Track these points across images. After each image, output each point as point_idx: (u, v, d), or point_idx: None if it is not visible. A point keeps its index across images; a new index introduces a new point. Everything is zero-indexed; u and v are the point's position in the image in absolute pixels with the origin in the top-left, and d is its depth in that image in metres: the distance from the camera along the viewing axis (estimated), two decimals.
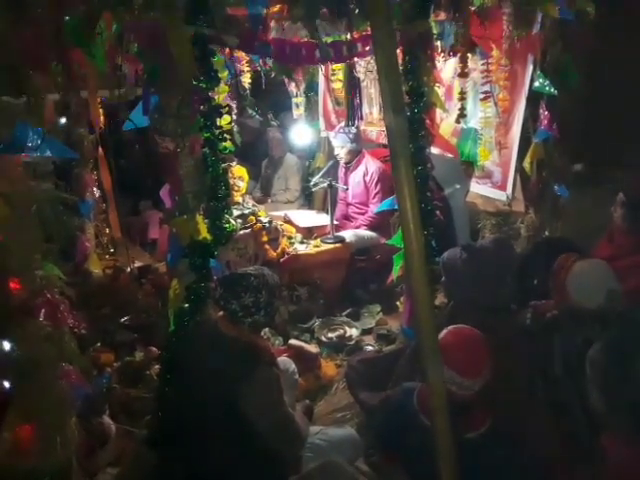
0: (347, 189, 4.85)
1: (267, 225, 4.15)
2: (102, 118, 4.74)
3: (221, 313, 2.39)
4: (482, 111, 3.78)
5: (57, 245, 2.21)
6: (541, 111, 3.56)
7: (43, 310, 2.09)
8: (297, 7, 2.75)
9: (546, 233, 3.77)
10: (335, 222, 4.59)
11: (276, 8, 2.92)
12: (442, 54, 3.54)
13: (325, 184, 4.54)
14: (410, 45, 2.91)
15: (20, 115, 2.02)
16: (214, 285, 2.48)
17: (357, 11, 2.79)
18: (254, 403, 2.21)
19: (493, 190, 3.95)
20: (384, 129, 3.96)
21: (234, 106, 4.52)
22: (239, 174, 4.35)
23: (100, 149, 4.73)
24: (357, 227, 4.74)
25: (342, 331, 4.00)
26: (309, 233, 4.67)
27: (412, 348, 2.85)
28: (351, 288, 4.49)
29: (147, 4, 2.24)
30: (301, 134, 5.48)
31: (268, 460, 2.29)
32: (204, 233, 2.51)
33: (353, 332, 4.01)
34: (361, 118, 4.59)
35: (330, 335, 3.96)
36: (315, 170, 5.64)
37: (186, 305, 2.54)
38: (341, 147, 4.74)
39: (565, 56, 3.34)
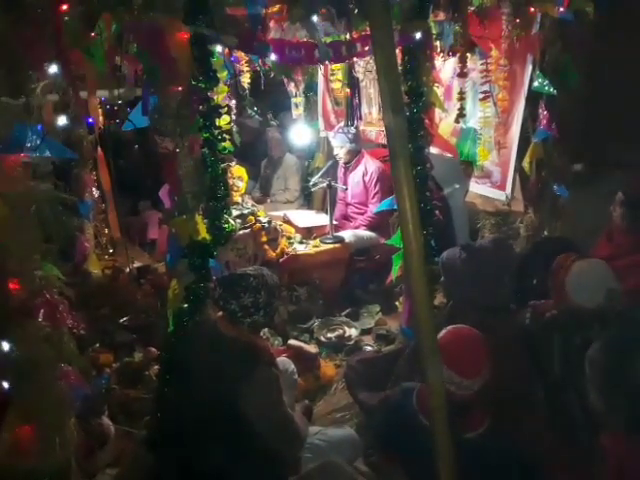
0: (346, 189, 4.85)
1: (266, 225, 4.14)
2: (101, 118, 4.74)
3: (220, 313, 2.39)
4: (481, 111, 3.78)
5: (56, 245, 2.21)
6: (540, 111, 3.56)
7: (42, 310, 2.10)
8: (296, 7, 2.75)
9: (545, 233, 3.77)
10: (334, 222, 4.59)
11: (275, 8, 2.92)
12: (441, 54, 3.54)
13: (324, 184, 4.54)
14: (409, 45, 2.92)
15: (19, 115, 2.02)
16: (213, 285, 2.47)
17: (356, 11, 2.79)
18: (253, 403, 2.21)
19: (492, 190, 3.95)
20: (383, 129, 3.95)
21: (233, 106, 4.52)
22: (238, 174, 4.35)
23: (99, 149, 4.73)
24: (356, 227, 4.74)
25: (341, 331, 4.00)
26: (308, 233, 4.67)
27: (411, 348, 2.85)
28: (350, 288, 4.49)
29: (146, 4, 2.24)
30: (300, 134, 5.47)
31: (267, 460, 2.29)
32: (203, 233, 2.51)
33: (352, 332, 4.01)
34: (360, 118, 4.61)
35: (329, 335, 3.96)
36: (314, 170, 5.64)
37: (185, 305, 2.53)
38: (340, 147, 4.74)
39: (564, 56, 3.34)
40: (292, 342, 3.63)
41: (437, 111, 3.56)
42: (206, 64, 2.42)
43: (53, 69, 2.25)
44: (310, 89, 5.40)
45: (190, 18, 2.31)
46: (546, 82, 3.38)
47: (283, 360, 2.89)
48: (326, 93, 5.41)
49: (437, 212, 3.19)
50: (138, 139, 6.41)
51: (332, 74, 4.85)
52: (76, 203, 4.06)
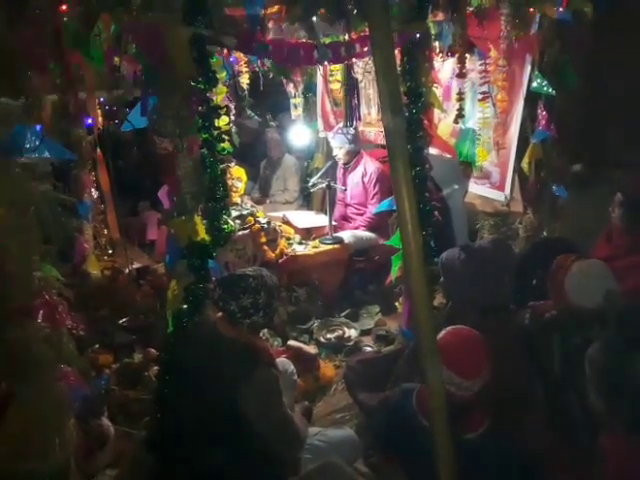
0: (345, 190, 4.85)
1: (265, 226, 4.15)
2: (100, 119, 4.74)
3: (220, 314, 2.39)
4: (480, 111, 3.78)
5: (55, 246, 2.21)
6: (539, 111, 3.56)
7: (41, 311, 2.10)
8: (295, 8, 2.75)
9: (544, 233, 3.77)
10: (334, 223, 4.59)
11: (274, 9, 2.92)
12: (440, 55, 3.54)
13: (323, 185, 4.54)
14: (408, 46, 2.92)
15: (18, 116, 2.02)
16: (212, 286, 2.47)
17: (355, 12, 2.79)
18: (253, 404, 2.21)
19: (491, 190, 3.95)
20: (382, 130, 3.96)
21: (232, 107, 4.52)
22: (237, 175, 4.35)
23: (98, 150, 4.73)
24: (356, 228, 4.74)
25: (341, 332, 4.01)
26: (308, 234, 4.67)
27: (411, 349, 2.85)
28: (350, 289, 4.49)
29: (145, 5, 2.24)
30: (299, 135, 5.48)
31: (267, 461, 2.29)
32: (202, 234, 2.51)
33: (352, 333, 4.01)
34: (359, 119, 4.59)
35: (329, 336, 3.96)
36: (313, 171, 5.64)
37: (185, 306, 2.53)
38: (339, 148, 4.74)
39: (563, 56, 3.34)
40: (291, 343, 3.63)
41: (436, 112, 3.57)
42: (205, 65, 2.42)
43: (53, 70, 2.26)
44: (309, 90, 5.40)
45: (189, 19, 2.31)
46: (545, 82, 3.38)
47: (282, 361, 2.89)
48: (325, 94, 5.41)
49: (436, 213, 3.19)
50: (137, 140, 6.41)
51: (331, 75, 4.85)
52: (75, 204, 4.05)
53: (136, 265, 4.78)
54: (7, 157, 2.02)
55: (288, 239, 4.39)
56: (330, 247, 4.39)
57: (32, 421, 2.00)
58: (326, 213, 4.67)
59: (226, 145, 2.66)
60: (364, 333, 4.06)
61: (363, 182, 4.72)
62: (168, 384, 2.52)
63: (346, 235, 4.52)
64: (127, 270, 4.65)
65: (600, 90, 3.65)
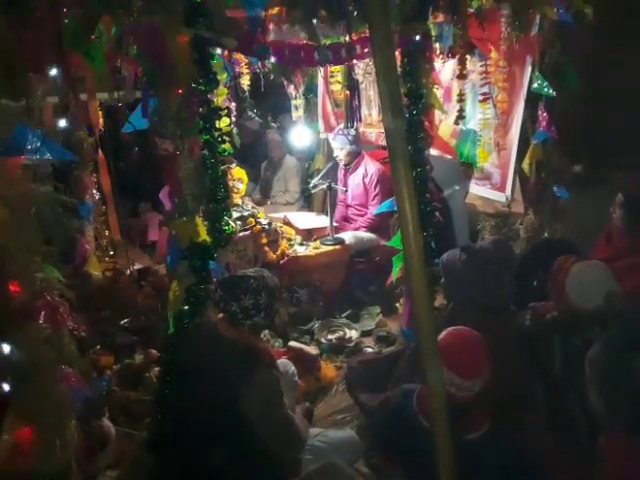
0: (346, 191, 4.86)
1: (266, 227, 4.15)
2: (101, 120, 4.75)
3: (221, 315, 2.40)
4: (481, 112, 3.78)
5: (57, 247, 2.21)
6: (540, 112, 3.56)
7: (43, 312, 2.10)
8: (296, 9, 2.75)
9: (545, 234, 3.77)
10: (334, 224, 4.59)
11: (275, 10, 2.92)
12: (440, 56, 3.54)
13: (324, 186, 4.54)
14: (409, 47, 2.92)
15: (19, 118, 2.03)
16: (214, 287, 2.48)
17: (356, 13, 2.79)
18: (254, 405, 2.21)
19: (492, 191, 3.95)
20: (383, 131, 3.97)
21: (233, 108, 4.53)
22: (238, 176, 4.36)
23: (100, 151, 4.74)
24: (356, 229, 4.74)
25: (342, 333, 4.01)
26: (308, 235, 4.67)
27: (412, 350, 2.85)
28: (351, 290, 4.49)
29: (146, 7, 2.24)
30: (300, 136, 5.48)
31: (268, 462, 2.29)
32: (203, 235, 2.52)
33: (353, 334, 4.01)
34: (360, 120, 4.60)
35: (330, 337, 3.96)
36: (314, 172, 5.65)
37: (186, 307, 2.53)
38: (340, 149, 4.74)
39: (563, 57, 3.34)
40: (292, 344, 3.63)
41: (437, 113, 3.57)
42: (206, 66, 2.43)
43: (53, 72, 2.26)
44: (310, 91, 5.40)
45: (190, 20, 2.31)
46: (545, 84, 3.38)
47: (283, 362, 2.89)
48: (326, 95, 5.41)
49: (437, 214, 3.18)
50: (138, 141, 6.42)
51: (332, 76, 4.86)
52: (76, 205, 4.07)
53: (137, 266, 4.78)
54: (8, 158, 2.03)
55: (289, 240, 4.39)
56: (331, 248, 4.39)
57: (33, 422, 2.00)
58: (327, 214, 4.67)
59: (227, 146, 2.66)
60: (365, 334, 4.06)
61: (364, 183, 4.72)
62: (169, 385, 2.53)
63: (347, 236, 4.52)
64: (128, 271, 4.65)
65: (601, 91, 3.65)
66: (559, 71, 3.37)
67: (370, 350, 3.79)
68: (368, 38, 2.78)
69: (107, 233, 5.03)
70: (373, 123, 4.98)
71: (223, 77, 3.21)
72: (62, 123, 3.10)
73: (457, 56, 3.39)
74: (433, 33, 3.25)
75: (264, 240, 4.10)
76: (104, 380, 3.29)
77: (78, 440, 2.21)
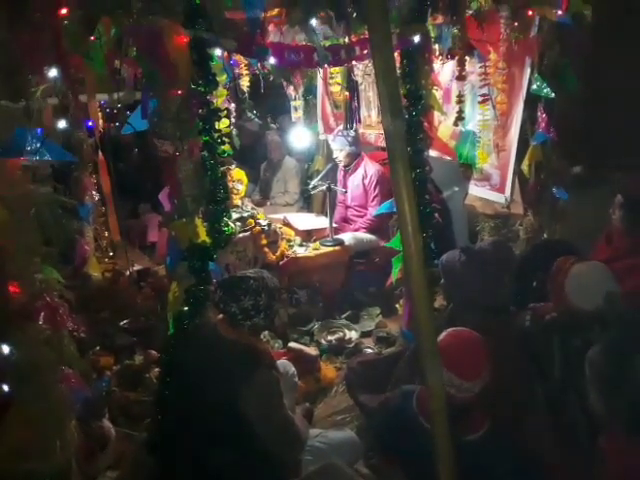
0: (346, 192, 4.86)
1: (266, 228, 4.15)
2: (101, 122, 4.75)
3: (220, 316, 2.40)
4: (480, 114, 3.79)
5: (56, 248, 2.21)
6: (539, 114, 3.56)
7: (42, 313, 2.10)
8: (295, 11, 2.75)
9: (545, 235, 3.77)
10: (334, 225, 4.59)
11: (274, 12, 2.93)
12: (440, 57, 3.55)
13: (324, 187, 4.54)
14: (408, 48, 2.92)
15: (19, 119, 2.03)
16: (213, 288, 2.48)
17: (355, 14, 2.79)
18: (254, 406, 2.21)
19: (492, 192, 3.95)
20: (382, 132, 3.97)
21: (233, 109, 4.53)
22: (238, 177, 4.35)
23: (99, 152, 4.74)
24: (356, 230, 4.74)
25: (341, 334, 4.01)
26: (308, 236, 4.67)
27: (411, 350, 2.85)
28: (350, 291, 4.49)
29: (146, 8, 2.24)
30: (300, 137, 5.48)
31: (268, 463, 2.29)
32: (203, 236, 2.52)
33: (352, 335, 4.01)
34: (359, 121, 4.60)
35: (329, 338, 3.96)
36: (314, 173, 5.65)
37: (185, 308, 2.54)
38: (340, 150, 4.74)
39: (562, 59, 3.34)
40: (292, 345, 3.63)
41: (436, 114, 3.57)
42: (205, 68, 2.43)
43: (53, 73, 2.26)
44: (309, 92, 5.40)
45: (189, 22, 2.32)
46: (544, 85, 3.38)
47: (283, 363, 2.89)
48: (325, 96, 5.41)
49: (436, 215, 3.18)
50: (138, 142, 6.42)
51: (331, 77, 4.85)
52: (76, 206, 4.07)
53: (137, 267, 4.78)
54: (8, 159, 2.03)
55: (289, 241, 4.39)
56: (331, 249, 4.39)
57: (33, 423, 2.00)
58: (326, 215, 4.67)
59: (226, 147, 2.66)
60: (365, 335, 4.06)
61: (363, 184, 4.72)
62: (169, 386, 2.53)
63: (347, 237, 4.52)
64: (128, 272, 4.65)
65: (600, 92, 3.66)
66: (558, 72, 3.37)
67: (370, 351, 3.79)
68: (367, 39, 2.78)
69: (107, 234, 5.03)
70: (372, 124, 4.98)
71: (222, 78, 3.21)
72: (62, 124, 3.09)
73: (456, 57, 3.40)
74: (432, 34, 3.25)
75: (264, 241, 4.10)
76: (104, 381, 3.29)
77: (78, 441, 2.21)
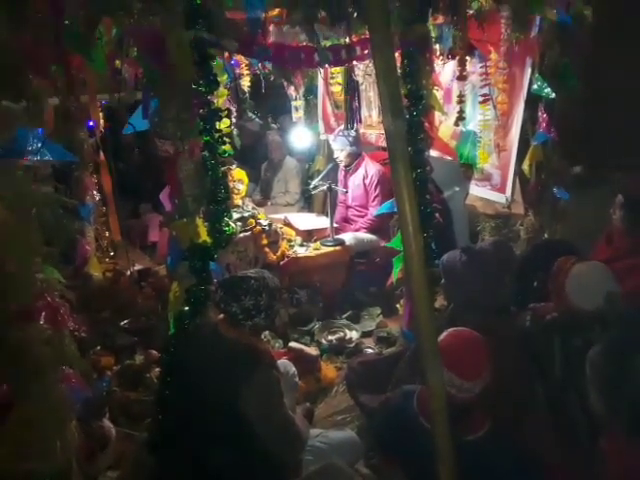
0: (347, 192, 4.86)
1: (267, 228, 4.15)
2: (102, 122, 4.76)
3: (221, 316, 2.40)
4: (481, 114, 3.79)
5: (57, 248, 2.21)
6: (540, 114, 3.57)
7: (43, 313, 2.09)
8: (296, 11, 2.75)
9: (545, 235, 3.77)
10: (335, 225, 4.60)
11: (275, 12, 2.93)
12: (440, 57, 3.55)
13: (325, 187, 4.54)
14: (408, 48, 2.92)
15: (20, 119, 2.03)
16: (214, 288, 2.48)
17: (355, 15, 2.80)
18: (254, 406, 2.21)
19: (492, 192, 3.96)
20: (383, 132, 3.97)
21: (233, 109, 4.54)
22: (239, 177, 4.36)
23: (100, 152, 4.74)
24: (357, 230, 4.75)
25: (342, 334, 4.01)
26: (309, 236, 4.67)
27: (412, 350, 2.85)
28: (351, 291, 4.49)
29: (146, 8, 2.24)
30: (300, 137, 5.48)
31: (268, 463, 2.29)
32: (204, 236, 2.52)
33: (353, 335, 4.01)
34: (360, 121, 4.60)
35: (330, 338, 3.97)
36: (315, 173, 5.65)
37: (186, 308, 2.54)
38: (340, 150, 4.75)
39: (563, 59, 3.35)
40: (293, 344, 3.63)
41: (437, 114, 3.57)
42: (206, 68, 2.43)
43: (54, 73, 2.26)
44: (310, 92, 5.41)
45: (190, 22, 2.32)
46: (545, 85, 3.39)
47: (284, 362, 2.89)
48: (326, 96, 5.42)
49: (437, 215, 3.18)
50: (139, 142, 6.42)
51: (332, 77, 4.87)
52: (77, 206, 4.07)
53: (137, 267, 4.78)
54: (9, 159, 2.03)
55: (289, 241, 4.40)
56: (331, 249, 4.39)
57: (34, 423, 2.00)
58: (327, 215, 4.67)
59: (227, 147, 2.66)
60: (365, 335, 4.06)
61: (364, 184, 4.72)
62: (169, 386, 2.53)
63: (347, 237, 4.52)
64: (129, 272, 4.65)
65: (600, 92, 3.66)
66: (558, 72, 3.37)
67: (370, 351, 3.79)
68: (368, 39, 2.78)
69: (107, 234, 5.03)
70: (373, 124, 4.99)
71: (223, 78, 3.21)
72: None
73: (457, 57, 3.40)
74: (433, 34, 3.25)
75: (264, 241, 4.11)
76: (104, 381, 3.30)
77: (78, 441, 2.20)
